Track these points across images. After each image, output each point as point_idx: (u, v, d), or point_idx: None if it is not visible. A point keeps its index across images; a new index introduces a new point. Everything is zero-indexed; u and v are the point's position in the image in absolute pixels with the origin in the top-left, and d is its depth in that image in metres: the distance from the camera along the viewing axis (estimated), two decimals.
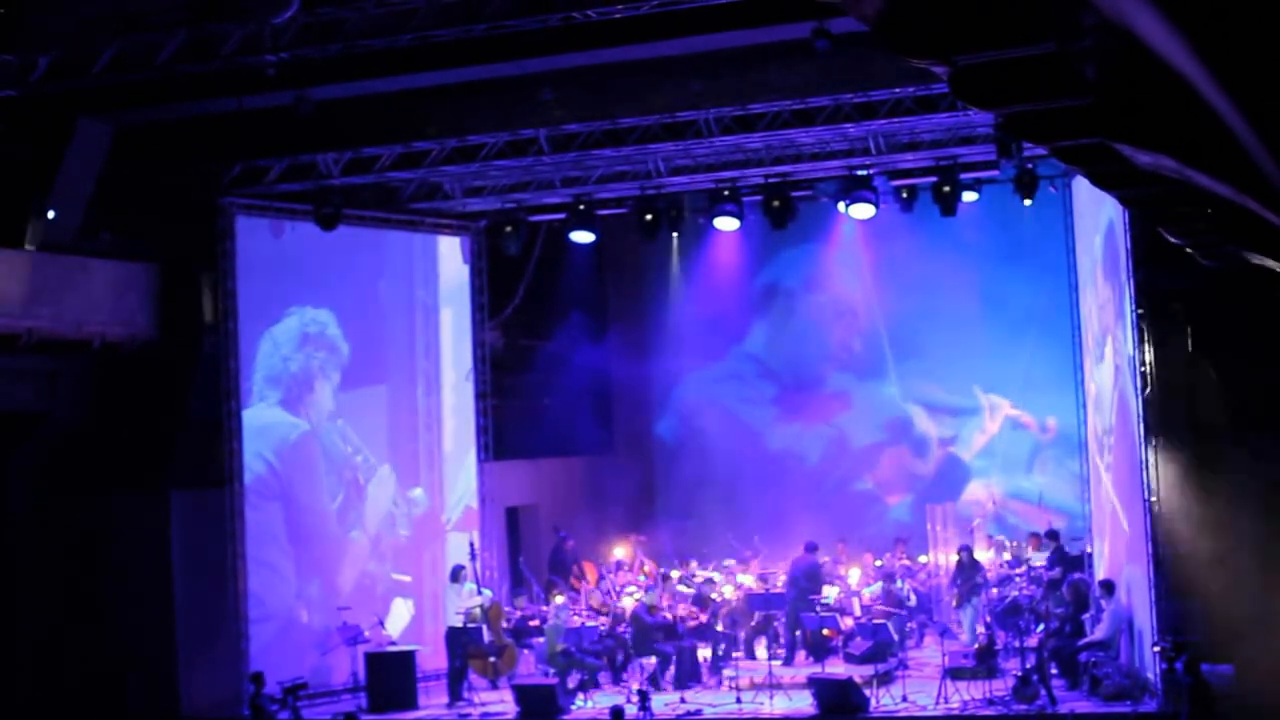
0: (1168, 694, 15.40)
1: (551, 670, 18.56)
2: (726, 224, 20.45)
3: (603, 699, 17.94)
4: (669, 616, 19.16)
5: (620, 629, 19.42)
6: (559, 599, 20.14)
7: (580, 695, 18.23)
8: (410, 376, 21.03)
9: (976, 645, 18.31)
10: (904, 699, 17.30)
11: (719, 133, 18.14)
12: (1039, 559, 19.90)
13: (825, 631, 19.12)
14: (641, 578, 21.32)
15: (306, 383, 19.79)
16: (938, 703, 17.08)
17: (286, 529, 19.48)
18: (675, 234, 21.28)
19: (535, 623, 19.90)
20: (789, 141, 18.89)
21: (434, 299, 21.36)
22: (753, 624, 20.11)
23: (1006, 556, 20.71)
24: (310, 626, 19.51)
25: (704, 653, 19.18)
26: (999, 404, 23.43)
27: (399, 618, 20.33)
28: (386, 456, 20.61)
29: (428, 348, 21.26)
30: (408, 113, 18.60)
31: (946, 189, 19.18)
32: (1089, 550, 19.69)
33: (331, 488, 19.94)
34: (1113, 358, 17.96)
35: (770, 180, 19.77)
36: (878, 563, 21.26)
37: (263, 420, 19.37)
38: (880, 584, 20.30)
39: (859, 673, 17.80)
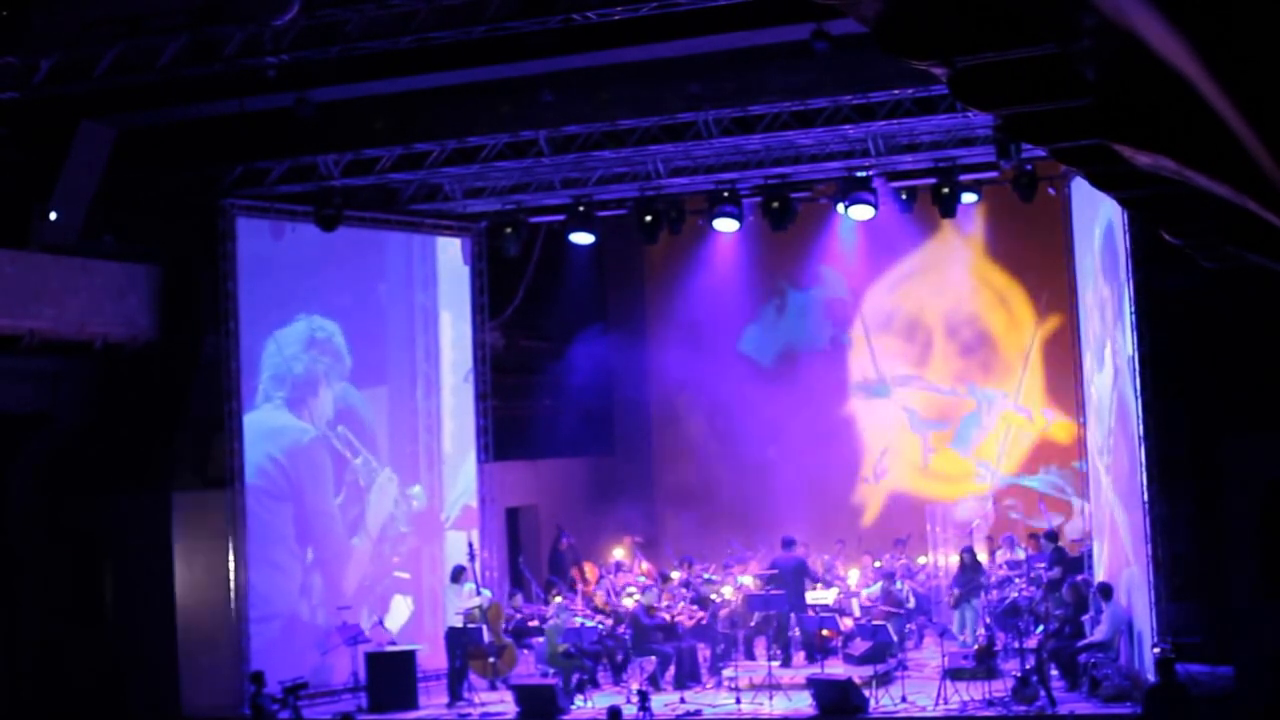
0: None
1: (551, 670, 18.58)
2: (726, 225, 20.49)
3: (602, 699, 17.95)
4: (668, 617, 19.18)
5: (620, 629, 19.44)
6: (558, 599, 20.18)
7: (580, 695, 18.25)
8: (410, 379, 21.13)
9: (976, 646, 18.32)
10: (903, 699, 17.32)
11: (718, 134, 18.17)
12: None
13: (824, 632, 19.14)
14: (640, 578, 21.34)
15: (310, 385, 19.91)
16: (937, 704, 17.10)
17: (295, 529, 19.60)
18: (675, 235, 21.29)
19: (535, 623, 19.94)
20: (788, 143, 18.92)
21: (433, 303, 21.45)
22: (752, 624, 20.13)
23: (1009, 557, 20.69)
24: (315, 624, 19.58)
25: (703, 653, 19.20)
26: (998, 405, 23.45)
27: (398, 614, 20.44)
28: (387, 457, 20.73)
29: (427, 351, 21.35)
30: (408, 114, 18.63)
31: (946, 190, 19.23)
32: (1089, 548, 19.70)
33: (336, 490, 20.08)
34: (1112, 358, 17.98)
35: (770, 182, 19.81)
36: (877, 564, 21.26)
37: (274, 423, 19.52)
38: (879, 585, 20.31)
39: (858, 673, 17.82)
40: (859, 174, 19.51)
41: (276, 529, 19.39)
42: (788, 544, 20.25)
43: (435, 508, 21.21)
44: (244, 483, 19.16)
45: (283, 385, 19.62)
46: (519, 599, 20.83)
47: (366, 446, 20.41)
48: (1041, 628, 18.10)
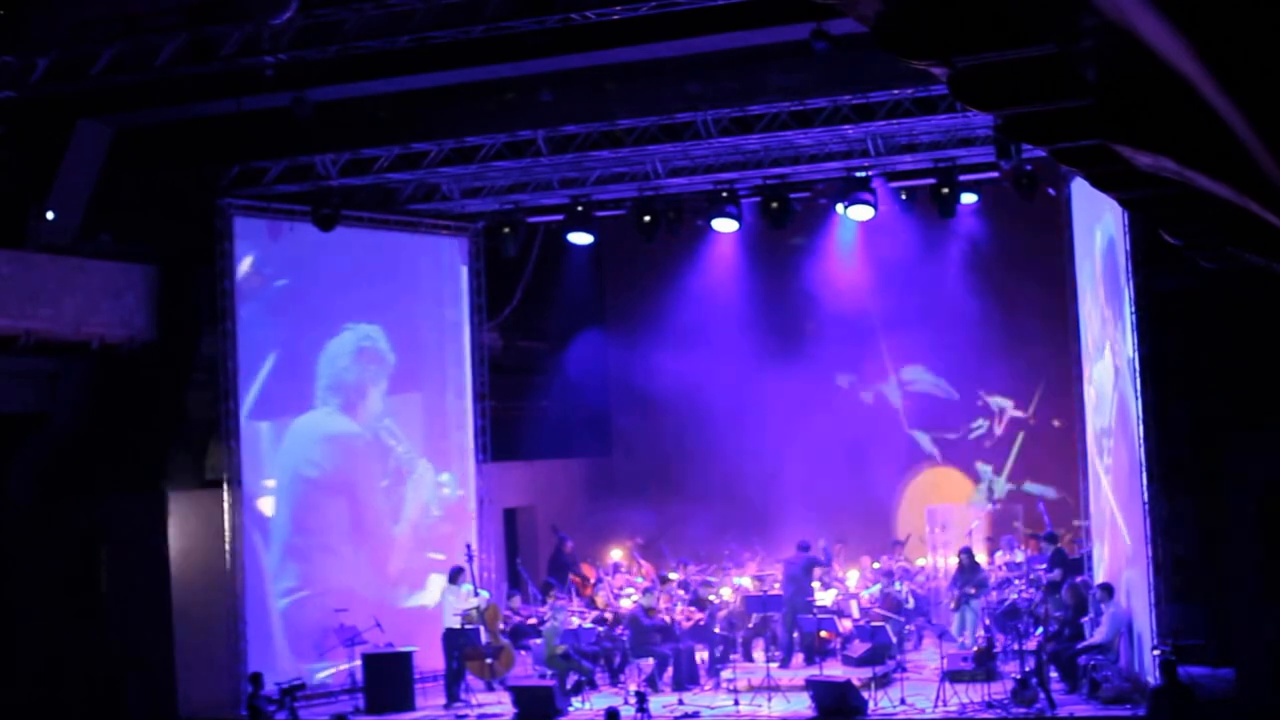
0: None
1: (549, 672, 18.55)
2: (725, 225, 20.46)
3: (600, 701, 17.92)
4: (666, 618, 19.14)
5: (618, 631, 19.40)
6: (556, 600, 20.15)
7: (577, 697, 18.22)
8: (441, 385, 21.77)
9: (975, 648, 18.27)
10: (902, 701, 17.28)
11: (717, 134, 18.13)
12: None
13: (823, 634, 19.11)
14: (639, 579, 21.31)
15: (360, 391, 20.83)
16: (936, 705, 17.06)
17: (350, 520, 20.49)
18: (673, 235, 21.24)
19: (533, 621, 19.92)
20: (787, 143, 18.88)
21: (459, 316, 21.95)
22: (750, 626, 20.10)
23: (1009, 558, 20.65)
24: (365, 599, 20.11)
25: (701, 654, 19.17)
26: (998, 406, 23.41)
27: (434, 589, 20.84)
28: (423, 452, 21.47)
29: (455, 359, 21.92)
30: (406, 114, 18.60)
31: (945, 191, 19.19)
32: (1089, 550, 19.66)
33: (380, 479, 20.98)
34: (1112, 359, 17.95)
35: (769, 182, 19.77)
36: (875, 565, 21.23)
37: (331, 427, 20.47)
38: (879, 586, 20.29)
39: (857, 675, 17.78)
40: (858, 174, 19.47)
41: (332, 519, 20.32)
42: (803, 547, 20.25)
43: (465, 498, 21.80)
44: (242, 483, 19.16)
45: (338, 393, 20.59)
46: (517, 600, 20.82)
47: (408, 438, 21.37)
48: (1041, 630, 18.06)
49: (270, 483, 19.87)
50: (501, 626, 19.61)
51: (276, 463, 19.94)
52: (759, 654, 19.66)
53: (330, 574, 20.17)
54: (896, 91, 17.06)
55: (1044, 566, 19.45)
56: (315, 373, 20.39)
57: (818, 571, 20.18)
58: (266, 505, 19.80)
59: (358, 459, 20.75)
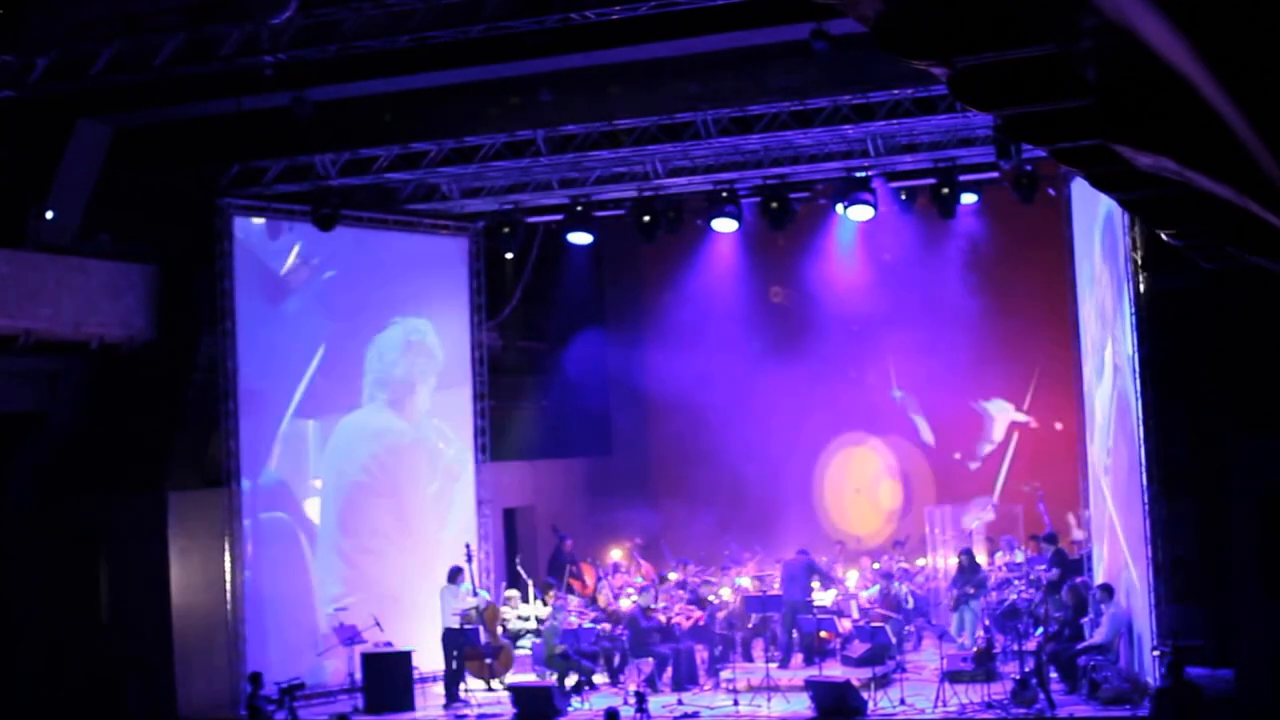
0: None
1: (549, 672, 18.54)
2: (725, 225, 20.46)
3: (600, 701, 17.91)
4: (665, 618, 19.12)
5: (617, 631, 19.39)
6: (556, 600, 20.15)
7: (577, 697, 18.21)
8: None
9: (975, 648, 18.26)
10: (902, 702, 17.27)
11: (717, 134, 18.13)
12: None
13: (823, 634, 19.10)
14: (639, 579, 21.29)
15: (408, 386, 20.93)
16: (936, 706, 17.05)
17: (394, 521, 20.60)
18: (673, 235, 21.24)
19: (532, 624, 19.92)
20: (787, 143, 18.87)
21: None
22: (750, 626, 20.09)
23: (1009, 559, 20.63)
24: (408, 603, 20.08)
25: (701, 655, 19.17)
26: (997, 406, 23.39)
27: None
28: (470, 447, 21.67)
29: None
30: (405, 113, 18.59)
31: (945, 191, 19.18)
32: (1089, 550, 19.65)
33: (429, 480, 21.14)
34: (1112, 359, 17.93)
35: (769, 182, 19.77)
36: (875, 565, 21.22)
37: (377, 424, 20.64)
38: (878, 586, 20.27)
39: (857, 675, 17.77)
40: (858, 174, 19.46)
41: (377, 521, 20.44)
42: (801, 553, 20.26)
43: None
44: (240, 483, 19.15)
45: (385, 388, 20.69)
46: (516, 599, 20.80)
47: (455, 435, 21.52)
48: (1041, 630, 18.04)
49: (317, 483, 20.03)
50: (500, 627, 19.59)
51: (323, 462, 20.09)
52: (758, 654, 19.66)
53: (376, 576, 20.19)
54: (896, 91, 17.04)
55: (1044, 567, 19.43)
56: (363, 368, 20.47)
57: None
58: (312, 506, 19.93)
59: (405, 458, 20.86)
